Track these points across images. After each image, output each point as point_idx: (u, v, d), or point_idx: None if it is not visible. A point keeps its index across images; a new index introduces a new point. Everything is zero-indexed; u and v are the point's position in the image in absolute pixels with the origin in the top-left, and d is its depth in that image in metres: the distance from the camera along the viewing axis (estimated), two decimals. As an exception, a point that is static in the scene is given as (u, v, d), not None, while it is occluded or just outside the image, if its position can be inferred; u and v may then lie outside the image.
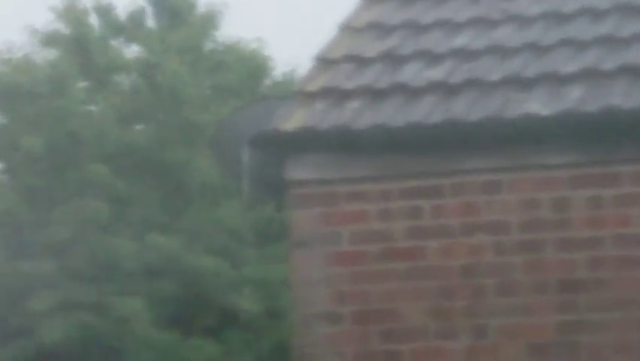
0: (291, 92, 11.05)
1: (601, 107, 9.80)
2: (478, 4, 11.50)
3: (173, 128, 18.53)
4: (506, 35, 10.96)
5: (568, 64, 10.29)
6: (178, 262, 17.71)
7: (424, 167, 10.55)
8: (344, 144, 10.48)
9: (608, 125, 10.02)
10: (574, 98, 9.98)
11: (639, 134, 9.70)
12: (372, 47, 11.12)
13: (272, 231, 15.17)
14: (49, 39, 19.82)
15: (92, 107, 19.23)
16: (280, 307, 14.15)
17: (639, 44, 10.32)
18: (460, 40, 11.05)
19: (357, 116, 10.45)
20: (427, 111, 10.46)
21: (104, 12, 19.99)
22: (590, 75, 10.13)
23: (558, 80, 10.50)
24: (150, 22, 20.12)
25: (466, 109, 10.41)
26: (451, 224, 10.39)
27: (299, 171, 10.50)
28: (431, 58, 10.93)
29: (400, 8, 11.56)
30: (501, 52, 10.90)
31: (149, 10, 20.10)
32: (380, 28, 11.32)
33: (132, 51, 19.90)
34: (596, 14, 11.00)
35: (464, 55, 10.87)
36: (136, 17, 20.00)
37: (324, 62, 10.94)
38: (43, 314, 17.44)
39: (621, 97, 9.88)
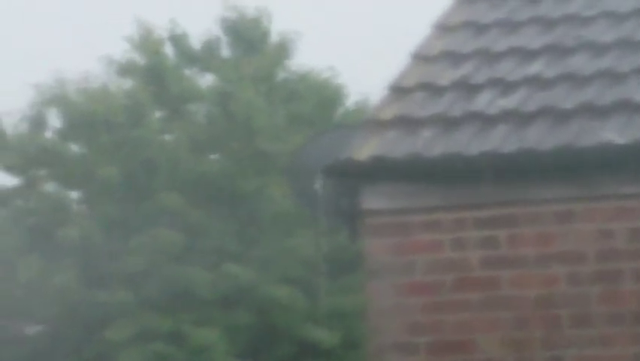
0: (364, 121, 10.99)
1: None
2: (552, 31, 11.42)
3: (247, 158, 18.54)
4: (580, 63, 10.86)
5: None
6: (253, 292, 17.70)
7: (498, 196, 10.46)
8: (417, 172, 10.41)
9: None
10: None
11: None
12: (445, 76, 11.03)
13: (346, 260, 15.07)
14: (125, 69, 19.89)
15: (167, 136, 19.24)
16: (356, 337, 14.05)
17: None
18: (534, 68, 10.96)
19: (430, 144, 10.37)
20: (501, 140, 10.37)
21: (179, 42, 20.02)
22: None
23: (633, 108, 10.40)
24: (224, 51, 20.14)
25: (540, 138, 10.31)
26: (526, 254, 10.30)
27: (372, 200, 10.44)
28: (504, 86, 10.84)
29: (473, 36, 11.48)
30: (575, 80, 10.80)
31: (223, 40, 20.11)
32: (453, 57, 11.24)
33: (206, 80, 19.93)
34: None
35: (538, 83, 10.78)
36: (210, 46, 20.03)
37: (397, 90, 10.87)
38: (120, 344, 17.49)
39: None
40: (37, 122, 19.64)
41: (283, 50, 19.90)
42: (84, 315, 17.93)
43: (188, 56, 20.09)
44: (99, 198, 18.86)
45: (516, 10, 11.68)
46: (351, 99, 19.51)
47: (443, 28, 11.51)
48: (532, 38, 11.24)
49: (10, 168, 19.54)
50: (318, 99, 19.46)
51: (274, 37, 20.15)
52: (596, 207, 10.23)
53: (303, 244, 17.75)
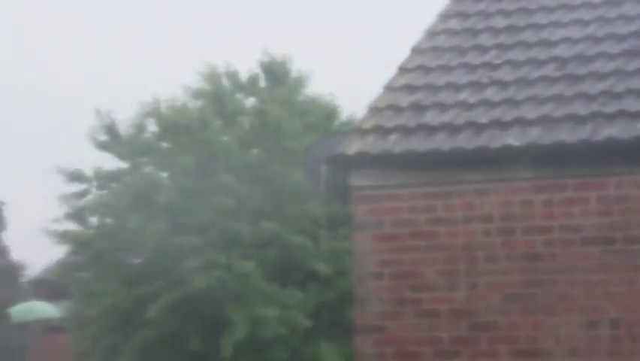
0: (353, 129, 11.07)
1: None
2: (474, 73, 11.45)
3: (276, 152, 18.60)
4: (491, 93, 10.92)
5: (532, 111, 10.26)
6: (278, 239, 17.76)
7: (437, 178, 10.53)
8: (386, 162, 10.52)
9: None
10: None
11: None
12: (404, 100, 11.13)
13: (339, 219, 15.12)
14: (197, 94, 20.00)
15: (224, 138, 19.29)
16: (345, 269, 14.10)
17: None
18: (462, 96, 11.03)
19: (395, 145, 10.49)
20: (441, 142, 10.49)
21: (232, 75, 20.13)
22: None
23: (526, 123, 10.45)
24: (262, 82, 20.19)
25: (466, 141, 10.40)
26: (455, 216, 10.40)
27: (357, 180, 10.54)
28: (442, 108, 10.93)
29: (423, 75, 11.51)
30: (488, 104, 10.88)
31: (261, 75, 20.18)
32: (410, 88, 11.31)
33: (249, 102, 20.02)
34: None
35: (464, 106, 10.86)
36: (252, 79, 20.15)
37: (374, 109, 10.98)
38: (193, 271, 17.52)
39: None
40: (140, 128, 19.73)
41: (300, 82, 19.98)
42: (170, 252, 17.97)
43: (238, 86, 20.17)
44: (180, 178, 18.91)
45: (450, 58, 11.69)
46: (344, 114, 19.57)
47: (403, 69, 11.56)
48: (460, 77, 11.29)
49: (122, 157, 19.60)
50: (323, 114, 19.56)
51: (294, 73, 20.21)
52: (501, 186, 10.32)
53: (312, 208, 17.83)
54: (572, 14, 12.18)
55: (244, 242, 17.85)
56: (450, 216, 10.17)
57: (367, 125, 10.66)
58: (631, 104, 10.32)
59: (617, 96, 10.50)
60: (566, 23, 12.02)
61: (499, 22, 12.28)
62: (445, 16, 12.52)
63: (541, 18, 12.22)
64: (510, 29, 12.11)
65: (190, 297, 17.63)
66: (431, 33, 12.17)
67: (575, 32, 11.79)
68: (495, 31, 12.10)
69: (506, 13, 12.46)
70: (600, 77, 10.90)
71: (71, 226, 19.63)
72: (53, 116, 66.14)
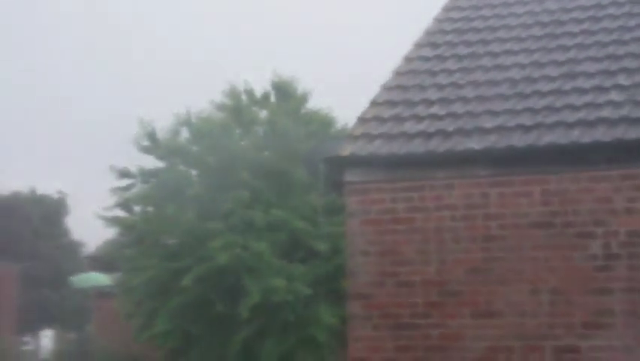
0: (346, 136, 11.14)
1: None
2: (443, 91, 11.50)
3: (284, 154, 18.63)
4: (457, 108, 10.98)
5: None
6: (286, 224, 17.82)
7: (414, 175, 10.60)
8: (373, 162, 10.60)
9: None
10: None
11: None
12: (386, 113, 11.20)
13: (335, 207, 15.16)
14: (220, 107, 20.01)
15: (242, 143, 19.32)
16: (340, 247, 14.18)
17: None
18: (434, 110, 11.09)
19: (380, 148, 10.56)
20: (416, 146, 10.56)
21: (249, 93, 20.13)
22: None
23: (484, 132, 10.51)
24: (272, 98, 20.20)
25: (437, 145, 10.45)
26: (428, 205, 10.47)
27: (350, 176, 10.63)
28: (418, 119, 11.00)
29: (402, 92, 11.57)
30: (455, 116, 10.94)
31: (272, 92, 20.18)
32: (391, 103, 11.38)
33: (263, 114, 20.01)
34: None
35: (435, 117, 10.92)
36: (265, 96, 20.14)
37: (362, 120, 11.05)
38: (217, 249, 17.58)
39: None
40: (175, 134, 19.76)
41: (303, 98, 20.00)
42: (198, 235, 18.03)
43: (254, 101, 20.18)
44: (206, 174, 18.96)
45: (424, 79, 11.75)
46: (340, 123, 19.60)
47: (386, 88, 11.64)
48: (432, 94, 11.36)
49: (160, 158, 19.63)
50: (322, 123, 19.56)
51: (299, 90, 20.22)
52: (464, 181, 10.39)
53: (312, 199, 17.89)
54: (521, 44, 12.27)
55: (258, 226, 17.90)
56: (423, 205, 10.26)
57: (357, 132, 10.76)
58: (567, 117, 10.43)
59: (556, 110, 10.59)
60: (517, 51, 12.12)
61: (463, 50, 12.36)
62: (419, 45, 12.61)
63: (496, 47, 12.30)
64: (472, 56, 12.19)
65: (215, 270, 17.70)
66: (408, 59, 12.26)
67: (523, 59, 11.88)
68: (459, 57, 12.18)
69: (468, 44, 12.54)
70: (543, 95, 10.98)
71: (120, 213, 19.69)
72: (105, 124, 66.25)
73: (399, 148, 10.37)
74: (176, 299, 17.96)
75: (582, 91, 10.86)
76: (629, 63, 11.25)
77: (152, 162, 19.63)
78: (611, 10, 12.63)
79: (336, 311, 16.68)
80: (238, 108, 19.59)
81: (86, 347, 23.76)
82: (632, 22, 12.21)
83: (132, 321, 19.37)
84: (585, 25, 12.43)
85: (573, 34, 12.23)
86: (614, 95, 10.62)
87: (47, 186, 62.41)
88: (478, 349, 10.10)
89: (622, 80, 10.92)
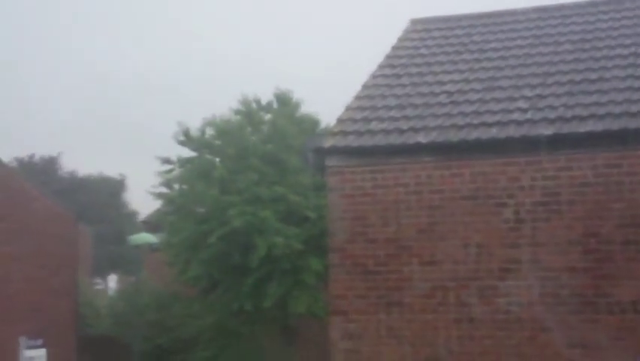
0: (328, 133, 11.07)
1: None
2: (398, 99, 11.43)
3: (283, 146, 18.51)
4: (409, 111, 10.91)
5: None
6: (285, 197, 17.73)
7: (378, 161, 10.54)
8: (347, 152, 10.52)
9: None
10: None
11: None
12: (358, 115, 11.11)
13: (320, 185, 15.04)
14: (236, 111, 19.77)
15: (252, 137, 19.11)
16: (324, 214, 14.12)
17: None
18: (391, 113, 11.01)
19: (353, 142, 10.49)
20: (379, 140, 10.47)
21: (257, 101, 19.93)
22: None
23: (442, 129, 10.44)
24: (274, 104, 19.99)
25: (394, 139, 10.38)
26: (388, 183, 10.42)
27: (331, 162, 10.58)
28: (381, 120, 10.92)
29: (369, 101, 11.49)
30: (407, 117, 10.86)
31: (274, 101, 19.96)
32: (361, 109, 11.30)
33: (267, 117, 19.83)
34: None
35: (393, 119, 10.84)
36: (269, 103, 19.94)
37: (340, 121, 10.98)
38: (234, 216, 17.42)
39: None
40: (203, 131, 19.61)
41: (297, 105, 19.84)
42: (220, 205, 17.87)
43: (261, 107, 19.98)
44: (226, 161, 18.78)
45: (385, 91, 11.69)
46: (324, 123, 19.41)
47: (357, 97, 11.55)
48: (390, 102, 11.30)
49: (193, 149, 19.43)
50: (311, 124, 19.41)
51: (294, 99, 20.03)
52: (415, 166, 10.33)
53: (304, 179, 17.80)
54: (455, 66, 12.26)
55: (264, 199, 17.81)
56: (384, 183, 10.26)
57: (336, 130, 10.73)
58: (488, 119, 10.42)
59: (480, 114, 10.59)
60: (451, 71, 12.10)
61: (413, 70, 12.34)
62: (381, 66, 12.59)
63: (436, 68, 12.30)
64: (419, 74, 12.16)
65: (232, 231, 17.62)
66: (374, 75, 12.23)
67: (456, 76, 11.85)
68: (410, 75, 12.16)
69: (417, 65, 12.51)
70: (471, 102, 10.97)
71: (164, 190, 19.58)
72: (154, 121, 65.95)
73: (366, 141, 10.35)
74: (204, 252, 17.92)
75: (498, 100, 10.87)
76: (531, 80, 11.29)
77: (186, 153, 19.50)
78: (519, 42, 12.72)
79: (321, 261, 16.65)
80: (249, 113, 19.44)
81: (139, 286, 23.70)
82: (534, 51, 12.29)
83: (173, 268, 19.30)
84: (500, 53, 12.45)
85: (491, 59, 12.25)
86: (521, 104, 10.65)
87: (112, 170, 62.49)
88: (424, 288, 10.13)
89: (527, 92, 10.97)
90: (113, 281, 41.13)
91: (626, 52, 11.58)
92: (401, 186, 10.08)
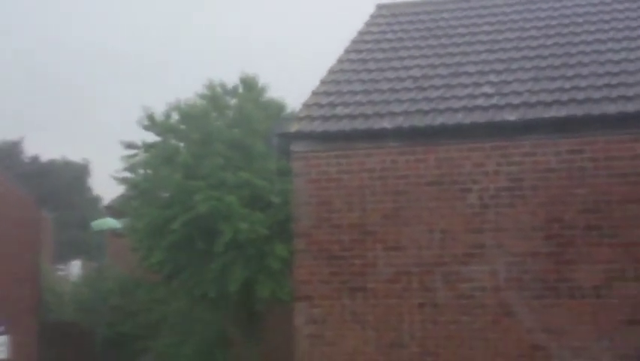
0: (294, 118, 11.03)
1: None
2: (364, 84, 11.41)
3: (248, 130, 18.40)
4: (374, 96, 10.91)
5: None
6: (250, 182, 17.65)
7: (343, 146, 10.53)
8: (312, 137, 10.50)
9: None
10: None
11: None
12: (324, 100, 11.08)
13: (285, 170, 15.00)
14: (202, 96, 19.56)
15: (217, 123, 18.95)
16: (289, 200, 14.09)
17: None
18: (357, 98, 10.99)
19: (318, 127, 10.46)
20: (344, 125, 10.45)
21: (223, 85, 19.74)
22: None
23: (405, 114, 10.44)
24: (240, 89, 19.85)
25: (359, 125, 10.35)
26: (352, 169, 10.41)
27: (296, 147, 10.55)
28: (346, 105, 10.90)
29: (335, 86, 11.47)
30: (373, 102, 10.85)
31: (240, 85, 19.79)
32: (327, 94, 11.28)
33: (233, 101, 19.69)
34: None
35: (358, 104, 10.82)
36: (235, 87, 19.77)
37: (306, 106, 10.95)
38: (199, 201, 17.22)
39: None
40: (168, 116, 19.41)
41: (263, 89, 19.73)
42: (185, 190, 17.62)
43: (226, 91, 19.79)
44: (190, 146, 18.59)
45: (350, 77, 11.68)
46: (290, 108, 19.33)
47: (323, 82, 11.52)
48: (356, 87, 11.28)
49: (157, 134, 19.20)
50: (276, 108, 19.33)
51: (260, 84, 19.91)
52: (380, 151, 10.34)
53: (269, 164, 17.73)
54: (420, 51, 12.26)
55: (229, 184, 17.71)
56: (349, 168, 10.23)
57: (302, 115, 10.68)
58: (454, 104, 10.45)
59: (445, 99, 10.60)
60: (417, 56, 12.10)
61: (379, 55, 12.32)
62: (347, 51, 12.57)
63: (403, 53, 12.30)
64: (385, 59, 12.15)
65: (197, 217, 17.51)
66: (340, 61, 12.20)
67: (422, 62, 11.85)
68: (376, 60, 12.14)
69: (383, 50, 12.49)
70: (436, 88, 10.98)
71: (128, 175, 19.40)
72: (121, 106, 65.36)
73: (332, 126, 10.32)
74: (168, 238, 17.77)
75: (464, 85, 10.89)
76: (497, 66, 11.33)
77: (151, 137, 19.30)
78: (485, 28, 12.74)
79: (286, 247, 16.61)
80: (215, 97, 19.27)
81: (103, 272, 23.50)
82: (500, 37, 12.33)
83: (136, 254, 19.14)
84: (466, 38, 12.46)
85: (458, 45, 12.26)
86: (487, 89, 10.67)
87: (75, 154, 61.74)
88: (388, 273, 10.15)
89: (492, 78, 10.99)
90: (75, 267, 40.76)
91: (590, 38, 11.67)
92: (366, 171, 10.07)
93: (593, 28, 11.99)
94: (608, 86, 10.14)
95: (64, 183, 43.69)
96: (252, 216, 17.40)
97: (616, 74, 10.42)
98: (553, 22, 12.43)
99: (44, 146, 65.26)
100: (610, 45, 11.32)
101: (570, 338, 9.46)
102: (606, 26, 11.94)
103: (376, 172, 10.05)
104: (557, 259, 9.63)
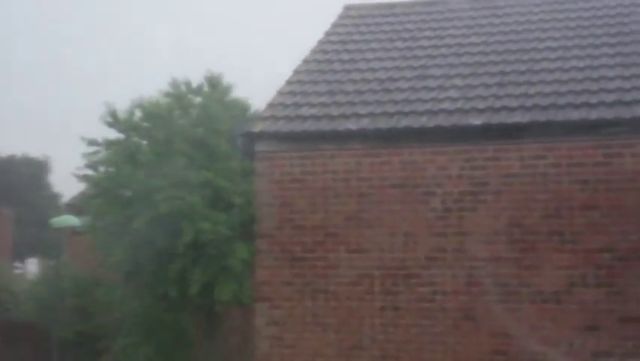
0: (258, 118, 10.98)
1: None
2: (330, 85, 11.40)
3: (211, 130, 18.24)
4: (339, 97, 10.89)
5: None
6: (213, 182, 17.47)
7: (307, 147, 10.49)
8: (277, 137, 10.46)
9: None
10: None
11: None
12: (288, 100, 11.05)
13: (248, 170, 14.90)
14: (166, 94, 19.21)
15: (181, 121, 18.72)
16: (252, 200, 13.97)
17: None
18: (322, 99, 10.97)
19: (282, 127, 10.42)
20: (309, 126, 10.43)
21: (187, 84, 19.51)
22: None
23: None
24: (205, 88, 19.65)
25: (324, 126, 10.33)
26: (316, 170, 10.38)
27: (260, 147, 10.50)
28: (311, 105, 10.88)
29: (300, 86, 11.44)
30: (338, 103, 10.84)
31: (205, 84, 19.61)
32: (292, 94, 11.26)
33: (197, 100, 19.47)
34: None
35: (323, 105, 10.80)
36: (199, 86, 19.55)
37: (270, 105, 10.90)
38: (161, 200, 16.97)
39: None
40: (131, 113, 19.18)
41: (229, 88, 19.56)
42: (147, 189, 17.36)
43: (191, 90, 19.54)
44: (153, 144, 18.34)
45: (316, 77, 11.65)
46: (255, 107, 19.18)
47: (289, 82, 11.48)
48: (322, 88, 11.26)
49: (120, 131, 18.83)
50: (241, 108, 19.18)
51: (225, 83, 19.73)
52: (344, 153, 10.32)
53: (233, 164, 17.59)
54: (387, 53, 12.28)
55: (192, 184, 17.50)
56: (313, 170, 10.21)
57: (266, 114, 10.63)
58: (419, 107, 10.46)
59: (411, 102, 10.62)
60: (384, 58, 12.11)
61: (345, 56, 12.32)
62: (313, 51, 12.54)
63: (369, 55, 12.30)
64: (351, 61, 12.15)
65: (159, 216, 17.31)
66: (305, 61, 12.17)
67: (388, 64, 11.86)
68: (342, 62, 12.13)
69: (349, 52, 12.48)
70: (402, 90, 11.00)
71: (89, 172, 19.15)
72: (81, 101, 64.70)
73: (296, 127, 10.29)
74: (129, 237, 17.54)
75: (429, 89, 10.92)
76: (462, 70, 11.37)
77: (113, 134, 19.06)
78: (451, 31, 12.79)
79: (248, 248, 16.49)
80: (179, 95, 19.05)
81: (61, 271, 23.18)
82: (466, 41, 12.38)
83: (96, 252, 18.87)
84: (433, 42, 12.51)
85: (424, 48, 12.30)
86: (452, 93, 10.71)
87: (35, 150, 61.03)
88: (350, 275, 10.13)
89: (458, 82, 11.02)
90: (33, 265, 40.18)
91: (555, 45, 11.78)
92: (330, 173, 10.05)
93: (558, 34, 12.10)
94: (572, 92, 10.23)
95: (23, 179, 43.10)
96: (214, 217, 17.26)
97: (580, 81, 10.52)
98: (520, 28, 12.53)
99: (3, 141, 64.49)
100: (575, 52, 11.43)
101: (529, 343, 9.51)
102: (571, 33, 12.06)
103: (340, 174, 10.04)
104: (519, 263, 9.69)
